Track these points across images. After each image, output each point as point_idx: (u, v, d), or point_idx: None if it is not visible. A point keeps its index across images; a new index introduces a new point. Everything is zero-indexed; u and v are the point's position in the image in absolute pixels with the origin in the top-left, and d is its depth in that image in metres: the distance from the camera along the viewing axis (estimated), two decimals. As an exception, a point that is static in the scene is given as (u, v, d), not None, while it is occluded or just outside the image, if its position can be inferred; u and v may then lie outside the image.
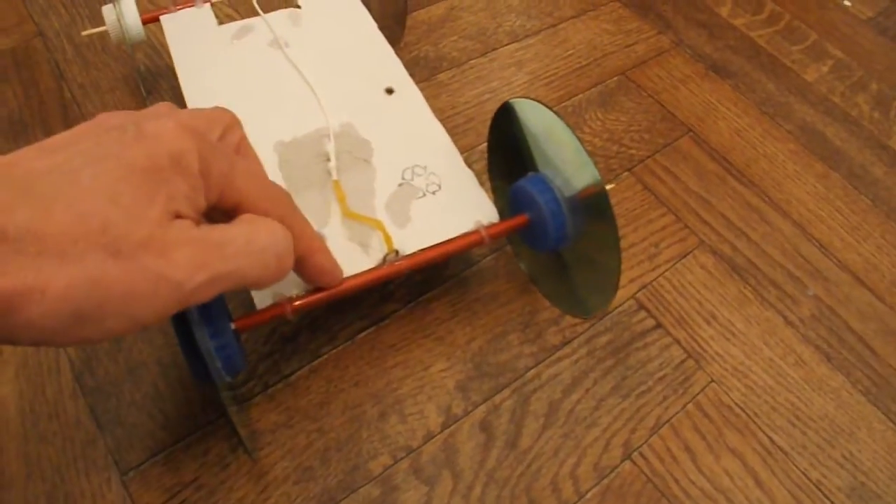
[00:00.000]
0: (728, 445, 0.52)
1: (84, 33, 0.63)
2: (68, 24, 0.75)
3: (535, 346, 0.55)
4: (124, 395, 0.50)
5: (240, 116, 0.54)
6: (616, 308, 0.57)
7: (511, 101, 0.52)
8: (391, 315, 0.55)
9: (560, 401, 0.52)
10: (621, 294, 0.58)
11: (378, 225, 0.49)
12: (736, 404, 0.54)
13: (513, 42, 0.77)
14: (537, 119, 0.50)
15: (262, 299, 0.44)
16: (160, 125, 0.32)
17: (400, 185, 0.51)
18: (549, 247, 0.50)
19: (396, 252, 0.47)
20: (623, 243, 0.61)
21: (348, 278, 0.45)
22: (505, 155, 0.56)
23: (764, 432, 0.52)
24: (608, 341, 0.56)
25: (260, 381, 0.51)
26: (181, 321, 0.39)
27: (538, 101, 0.49)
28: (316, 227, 0.48)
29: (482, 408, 0.51)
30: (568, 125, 0.47)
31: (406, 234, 0.49)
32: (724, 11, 0.86)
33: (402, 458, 0.49)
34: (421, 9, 0.79)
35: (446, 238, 0.49)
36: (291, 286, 0.45)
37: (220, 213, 0.35)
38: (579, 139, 0.46)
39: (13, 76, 0.69)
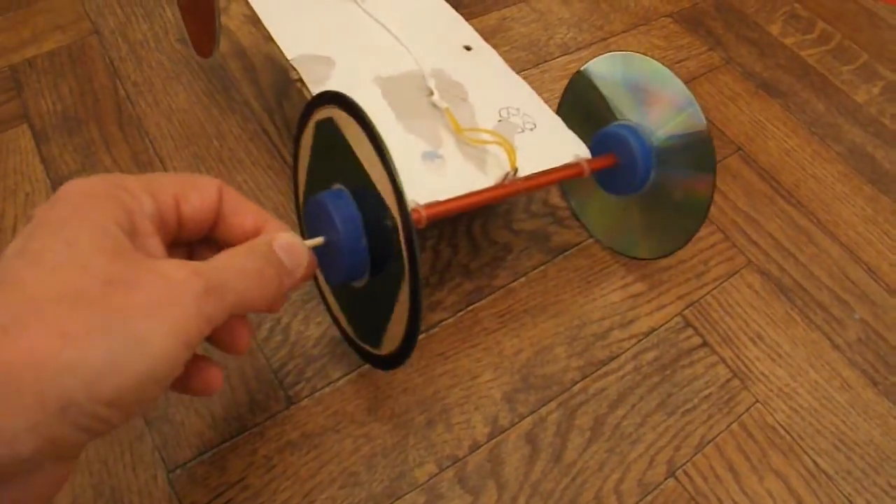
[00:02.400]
0: (772, 467, 0.51)
1: None
2: (123, 23, 0.75)
3: (582, 360, 0.55)
4: (172, 392, 0.50)
5: (334, 56, 0.55)
6: (663, 325, 0.57)
7: (586, 66, 0.58)
8: (440, 324, 0.56)
9: (606, 415, 0.52)
10: (669, 311, 0.58)
11: (502, 140, 0.50)
12: (780, 425, 0.53)
13: (564, 54, 0.78)
14: (625, 69, 0.55)
15: None
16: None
17: (499, 121, 0.53)
18: (635, 187, 0.54)
19: (516, 171, 0.48)
20: (671, 259, 0.61)
21: (475, 192, 0.47)
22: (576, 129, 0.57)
23: (808, 455, 0.52)
24: (654, 358, 0.55)
25: (308, 384, 0.52)
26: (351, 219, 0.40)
27: (631, 52, 0.54)
28: (432, 149, 0.49)
29: (528, 420, 0.52)
30: (667, 66, 0.52)
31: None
32: (774, 29, 0.85)
33: (447, 467, 0.49)
34: (473, 19, 0.80)
35: (550, 167, 0.51)
36: (421, 195, 0.45)
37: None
38: (676, 73, 0.51)
39: (69, 72, 0.70)
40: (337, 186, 0.42)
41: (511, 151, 0.49)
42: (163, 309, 0.28)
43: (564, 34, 0.80)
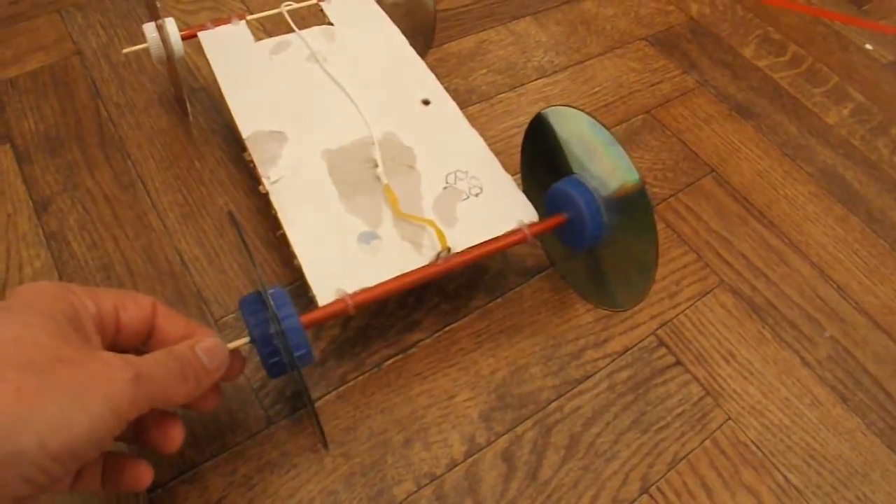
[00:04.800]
0: (744, 483, 0.52)
1: (125, 51, 0.64)
2: (106, 44, 0.76)
3: (558, 379, 0.56)
4: (155, 412, 0.51)
5: (286, 127, 0.56)
6: (636, 344, 0.58)
7: (543, 111, 0.55)
8: (417, 344, 0.56)
9: (580, 433, 0.53)
10: (642, 330, 0.59)
11: (431, 223, 0.51)
12: (752, 442, 0.54)
13: (541, 77, 0.79)
14: (572, 124, 0.53)
15: (324, 296, 0.46)
16: None
17: (444, 188, 0.54)
18: (585, 244, 0.53)
19: (449, 249, 0.49)
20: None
21: (405, 274, 0.48)
22: (538, 170, 0.58)
23: (779, 471, 0.53)
24: (629, 376, 0.56)
25: (287, 404, 0.52)
26: (262, 329, 0.42)
27: (572, 107, 0.52)
28: (369, 229, 0.51)
29: (505, 438, 0.52)
30: (605, 126, 0.50)
31: (455, 232, 0.51)
32: (747, 52, 0.87)
33: (425, 485, 0.50)
34: (451, 41, 0.81)
35: (492, 236, 0.51)
36: (352, 282, 0.47)
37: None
38: (616, 138, 0.49)
39: (51, 92, 0.71)
40: (257, 291, 0.45)
41: (442, 236, 0.50)
42: (101, 383, 0.33)
43: (541, 57, 0.81)
